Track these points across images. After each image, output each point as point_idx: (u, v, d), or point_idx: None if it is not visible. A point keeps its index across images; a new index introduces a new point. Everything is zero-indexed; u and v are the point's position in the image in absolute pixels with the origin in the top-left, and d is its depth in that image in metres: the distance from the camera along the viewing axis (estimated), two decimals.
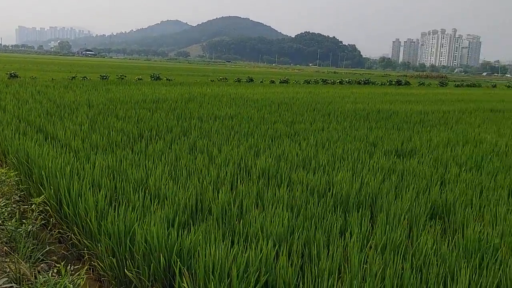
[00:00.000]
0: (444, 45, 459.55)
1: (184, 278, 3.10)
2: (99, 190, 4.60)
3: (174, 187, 4.79)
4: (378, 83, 40.45)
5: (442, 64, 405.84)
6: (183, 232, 3.62)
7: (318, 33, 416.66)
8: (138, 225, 3.71)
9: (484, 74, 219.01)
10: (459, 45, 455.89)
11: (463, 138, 9.78)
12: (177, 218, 3.95)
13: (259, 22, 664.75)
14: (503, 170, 6.80)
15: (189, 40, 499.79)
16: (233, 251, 3.23)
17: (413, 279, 3.14)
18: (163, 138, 8.02)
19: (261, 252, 3.28)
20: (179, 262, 3.19)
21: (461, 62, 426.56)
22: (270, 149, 7.50)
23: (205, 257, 3.17)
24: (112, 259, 3.68)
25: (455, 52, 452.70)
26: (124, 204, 4.30)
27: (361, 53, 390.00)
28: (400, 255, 3.47)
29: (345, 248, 3.66)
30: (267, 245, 3.38)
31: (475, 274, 3.28)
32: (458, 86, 45.42)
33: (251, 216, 4.11)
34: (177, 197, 4.50)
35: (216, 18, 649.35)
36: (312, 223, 4.09)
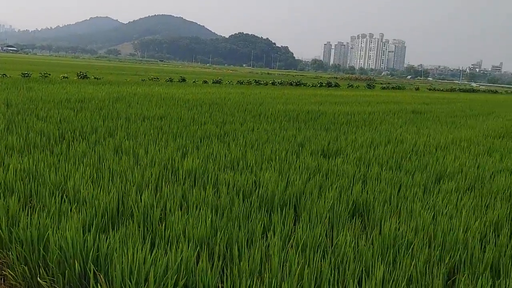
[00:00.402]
0: (372, 49, 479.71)
1: (99, 285, 2.98)
2: (11, 195, 4.34)
3: (94, 190, 4.61)
4: (309, 85, 41.41)
5: (370, 67, 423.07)
6: (101, 237, 3.49)
7: (252, 34, 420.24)
8: (53, 231, 3.53)
9: (409, 77, 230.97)
10: (386, 49, 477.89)
11: (386, 138, 10.22)
12: (95, 222, 3.80)
13: (192, 22, 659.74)
14: (420, 169, 7.18)
15: (120, 38, 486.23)
16: (151, 255, 3.16)
17: (331, 276, 3.22)
18: (87, 139, 7.72)
19: (181, 255, 3.23)
20: (93, 268, 3.06)
21: (388, 65, 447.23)
22: (198, 150, 7.44)
23: (123, 262, 3.07)
24: (25, 267, 3.48)
25: (382, 56, 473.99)
26: (39, 209, 4.08)
27: (294, 55, 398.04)
28: (320, 253, 3.55)
29: (268, 248, 3.70)
30: (188, 247, 3.34)
31: (389, 268, 3.43)
32: (384, 89, 47.48)
33: (174, 218, 4.04)
34: (97, 201, 4.33)
35: (149, 16, 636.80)
36: (236, 223, 4.10)
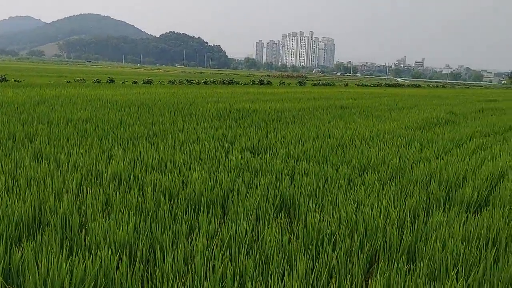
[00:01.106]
0: (303, 47, 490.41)
1: None
2: None
3: (8, 200, 4.34)
4: (242, 83, 41.61)
5: (302, 64, 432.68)
6: (14, 248, 3.29)
7: (183, 33, 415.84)
8: None
9: (338, 73, 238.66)
10: (316, 47, 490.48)
11: (314, 133, 10.46)
12: (7, 234, 3.58)
13: (121, 21, 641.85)
14: (345, 162, 7.41)
15: (43, 38, 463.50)
16: (68, 263, 3.02)
17: (255, 272, 3.23)
18: (3, 145, 7.27)
19: (101, 261, 3.12)
20: (2, 281, 2.88)
21: (319, 62, 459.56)
22: (125, 152, 7.24)
23: (37, 272, 2.91)
24: None
25: (313, 54, 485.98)
26: None
27: (226, 54, 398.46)
28: (245, 250, 3.57)
29: (193, 248, 3.66)
30: (108, 253, 3.23)
31: (312, 261, 3.50)
32: (315, 85, 48.67)
33: (95, 224, 3.89)
34: (10, 210, 4.09)
35: (74, 15, 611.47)
36: (160, 225, 4.02)
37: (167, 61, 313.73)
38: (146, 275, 3.11)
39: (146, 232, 3.82)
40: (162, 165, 6.53)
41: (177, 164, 6.56)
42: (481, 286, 3.06)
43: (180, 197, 4.98)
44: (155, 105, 15.11)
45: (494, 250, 3.90)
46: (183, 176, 5.95)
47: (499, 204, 5.44)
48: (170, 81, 36.67)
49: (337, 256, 3.65)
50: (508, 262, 3.58)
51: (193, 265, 3.32)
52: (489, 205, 5.46)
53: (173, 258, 3.33)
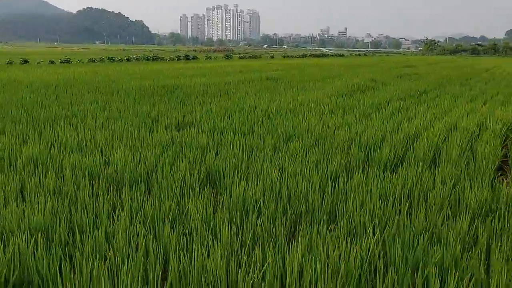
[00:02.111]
0: (228, 20, 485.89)
1: None
2: None
3: None
4: (167, 59, 40.66)
5: (228, 38, 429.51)
6: None
7: (102, 9, 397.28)
8: None
9: (265, 46, 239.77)
10: (242, 20, 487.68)
11: (240, 106, 10.47)
12: None
13: None
14: (271, 132, 7.51)
15: None
16: None
17: (178, 247, 3.22)
18: None
19: (15, 248, 2.97)
20: None
21: (245, 35, 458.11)
22: (41, 135, 6.86)
23: None
24: None
25: (238, 26, 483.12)
26: None
27: (149, 29, 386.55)
28: (169, 225, 3.53)
29: (115, 227, 3.57)
30: (23, 239, 3.07)
31: (237, 230, 3.55)
32: (242, 58, 48.64)
33: (8, 210, 3.68)
34: None
35: None
36: (80, 207, 3.88)
37: (87, 39, 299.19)
38: (66, 258, 3.00)
39: (65, 215, 3.67)
40: (82, 146, 6.28)
41: (98, 144, 6.34)
42: (395, 239, 3.25)
43: (101, 177, 4.83)
44: (73, 85, 14.42)
45: (408, 205, 4.15)
46: (105, 156, 5.76)
47: (414, 162, 5.77)
48: (90, 59, 35.08)
49: (261, 223, 3.72)
50: (419, 215, 3.82)
51: (115, 244, 3.24)
52: (404, 164, 5.77)
53: (93, 238, 3.23)
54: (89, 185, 4.50)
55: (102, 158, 5.59)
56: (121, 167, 5.01)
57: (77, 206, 3.89)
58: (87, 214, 3.77)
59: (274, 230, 3.57)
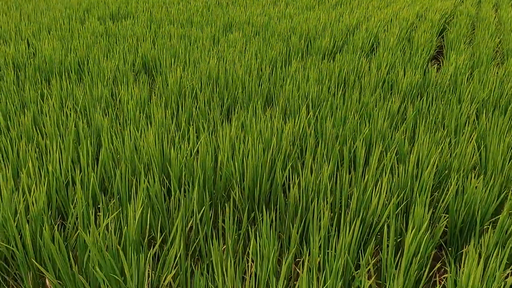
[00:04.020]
0: None
1: None
2: None
3: None
4: None
5: None
6: None
7: None
8: None
9: None
10: None
11: None
12: None
13: None
14: (210, 22, 7.25)
15: None
16: None
17: (111, 130, 3.17)
18: None
19: None
20: None
21: None
22: None
23: None
24: None
25: None
26: None
27: None
28: (101, 111, 3.45)
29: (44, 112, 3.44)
30: None
31: (171, 113, 3.51)
32: None
33: None
34: None
35: None
36: (5, 95, 3.68)
37: None
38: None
39: None
40: (6, 38, 5.84)
41: (24, 36, 5.91)
42: (329, 116, 3.33)
43: (28, 67, 4.55)
44: None
45: (342, 89, 4.23)
46: (32, 48, 5.40)
47: (352, 50, 5.81)
48: None
49: (197, 107, 3.70)
50: (353, 94, 3.92)
51: (43, 129, 3.14)
52: (342, 52, 5.80)
53: (19, 123, 3.11)
54: (15, 75, 4.24)
55: (28, 49, 5.25)
56: (50, 57, 4.73)
57: (2, 95, 3.68)
58: (13, 102, 3.60)
59: (209, 112, 3.57)
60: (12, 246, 2.15)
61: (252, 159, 2.59)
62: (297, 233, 2.28)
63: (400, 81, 4.52)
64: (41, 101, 3.66)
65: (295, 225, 2.18)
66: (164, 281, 2.06)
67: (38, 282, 2.23)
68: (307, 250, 2.06)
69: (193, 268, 2.08)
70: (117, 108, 3.68)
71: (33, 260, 2.08)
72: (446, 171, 2.93)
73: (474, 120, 3.75)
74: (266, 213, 2.10)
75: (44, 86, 4.09)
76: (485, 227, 2.56)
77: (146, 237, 2.16)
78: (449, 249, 2.63)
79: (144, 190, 2.41)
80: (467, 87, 4.41)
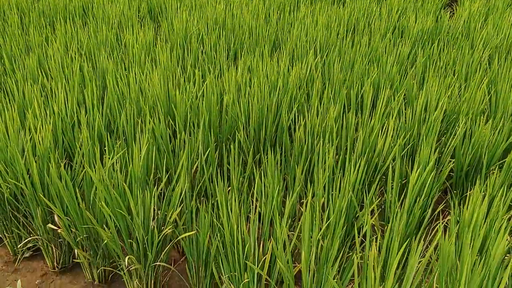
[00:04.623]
0: None
1: None
2: None
3: None
4: None
5: None
6: None
7: None
8: None
9: None
10: None
11: None
12: None
13: None
14: None
15: None
16: None
17: (116, 73, 3.14)
18: None
19: None
20: None
21: None
22: None
23: None
24: None
25: None
26: None
27: None
28: (107, 54, 3.41)
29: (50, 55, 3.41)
30: None
31: (179, 54, 3.47)
32: None
33: None
34: None
35: None
36: (9, 39, 3.65)
37: None
38: None
39: None
40: None
41: None
42: (336, 60, 3.27)
43: (32, 12, 4.48)
44: None
45: (352, 33, 4.13)
46: None
47: None
48: None
49: (203, 51, 3.64)
50: (361, 41, 3.83)
51: (49, 72, 3.13)
52: None
53: (24, 66, 3.10)
54: (19, 19, 4.18)
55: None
56: (54, 2, 4.64)
57: (6, 38, 3.64)
58: (18, 46, 3.56)
59: (215, 56, 3.52)
60: (21, 183, 2.19)
61: (258, 101, 2.56)
62: (302, 173, 2.29)
63: (411, 26, 4.40)
64: (46, 44, 3.62)
65: (299, 164, 2.18)
66: (170, 218, 2.10)
67: (47, 219, 2.28)
68: (311, 190, 2.07)
69: (199, 206, 2.11)
70: (122, 52, 3.64)
71: (41, 196, 2.11)
72: (455, 116, 2.89)
73: (486, 66, 3.67)
74: (271, 153, 2.10)
75: (49, 30, 4.04)
76: (491, 170, 2.55)
77: (152, 176, 2.18)
78: (454, 191, 2.64)
79: (150, 131, 2.41)
80: (480, 33, 4.29)
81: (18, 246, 2.46)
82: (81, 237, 2.17)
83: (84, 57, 3.41)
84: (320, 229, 1.89)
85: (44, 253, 2.40)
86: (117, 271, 2.30)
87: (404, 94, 3.18)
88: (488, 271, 1.60)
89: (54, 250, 2.38)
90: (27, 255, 2.52)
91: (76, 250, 2.22)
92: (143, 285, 2.23)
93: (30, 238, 2.36)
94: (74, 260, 2.42)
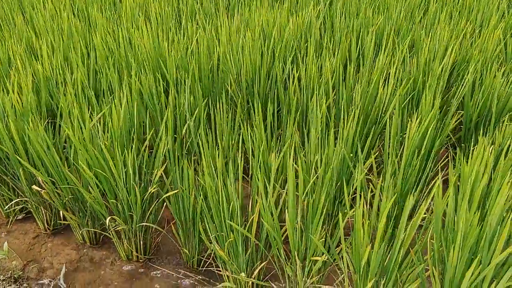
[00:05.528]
0: None
1: None
2: None
3: None
4: None
5: None
6: None
7: None
8: None
9: None
10: None
11: None
12: None
13: None
14: None
15: None
16: None
17: (105, 29, 3.01)
18: None
19: None
20: None
21: None
22: None
23: None
24: None
25: None
26: None
27: None
28: (100, 9, 3.27)
29: None
30: None
31: None
32: None
33: None
34: None
35: None
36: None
37: None
38: None
39: None
40: None
41: None
42: (340, 8, 3.06)
43: None
44: None
45: None
46: None
47: None
48: None
49: (200, 2, 3.47)
50: None
51: (36, 29, 3.02)
52: None
53: (14, 24, 2.99)
54: None
55: None
56: None
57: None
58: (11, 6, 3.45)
59: (212, 8, 3.34)
60: (3, 145, 2.12)
61: (250, 53, 2.41)
62: (294, 125, 2.15)
63: None
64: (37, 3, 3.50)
65: (290, 116, 2.04)
66: (154, 178, 2.00)
67: (32, 180, 2.21)
68: (304, 148, 1.93)
69: (187, 163, 2.00)
70: (117, 10, 3.48)
71: (18, 158, 2.04)
72: (465, 64, 2.68)
73: (504, 9, 3.40)
74: (259, 106, 1.96)
75: None
76: (502, 121, 2.36)
77: (135, 135, 2.07)
78: (463, 145, 2.47)
79: (137, 85, 2.29)
80: None
81: (5, 208, 2.42)
82: (66, 198, 2.10)
83: (77, 17, 3.28)
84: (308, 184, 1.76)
85: (35, 215, 2.35)
86: (107, 234, 2.24)
87: (413, 46, 2.97)
88: (486, 228, 1.46)
89: (44, 212, 2.32)
90: (19, 217, 2.48)
91: (62, 212, 2.15)
92: (132, 246, 2.17)
93: (16, 200, 2.31)
94: (63, 222, 2.37)
